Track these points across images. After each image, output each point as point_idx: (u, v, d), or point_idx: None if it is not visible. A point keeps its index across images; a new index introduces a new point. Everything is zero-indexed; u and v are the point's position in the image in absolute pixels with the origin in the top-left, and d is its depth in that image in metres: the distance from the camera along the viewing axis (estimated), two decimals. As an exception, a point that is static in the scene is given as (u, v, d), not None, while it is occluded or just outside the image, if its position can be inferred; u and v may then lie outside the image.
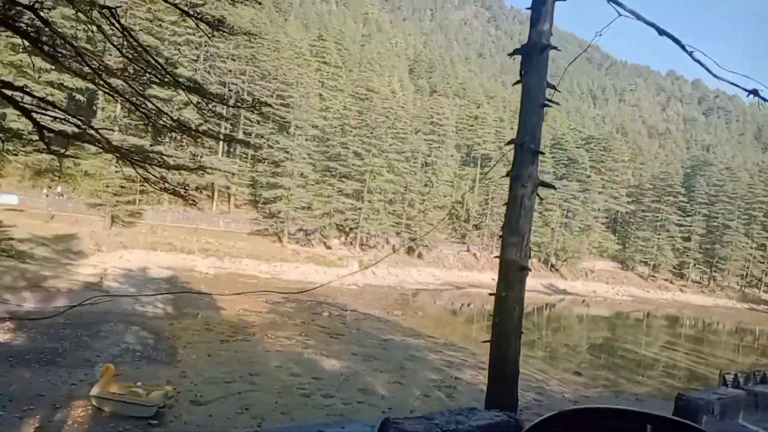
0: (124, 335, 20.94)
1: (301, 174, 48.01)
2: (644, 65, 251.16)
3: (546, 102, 6.11)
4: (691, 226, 73.80)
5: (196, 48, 49.52)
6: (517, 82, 6.22)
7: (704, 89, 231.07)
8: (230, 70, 52.01)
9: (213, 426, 14.57)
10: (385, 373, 21.55)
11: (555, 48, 6.10)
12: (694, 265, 73.81)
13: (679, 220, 74.19)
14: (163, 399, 14.78)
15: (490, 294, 6.19)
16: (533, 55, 6.02)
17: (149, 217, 43.06)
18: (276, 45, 61.95)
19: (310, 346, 23.54)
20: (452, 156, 68.38)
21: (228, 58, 51.64)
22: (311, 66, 60.99)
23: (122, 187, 41.81)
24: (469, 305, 47.98)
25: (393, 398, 18.71)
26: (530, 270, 6.10)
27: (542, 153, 6.12)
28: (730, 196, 74.66)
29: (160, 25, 47.96)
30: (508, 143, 6.39)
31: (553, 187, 7.32)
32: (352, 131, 54.41)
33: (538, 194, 6.16)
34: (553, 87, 6.27)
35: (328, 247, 49.11)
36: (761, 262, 74.40)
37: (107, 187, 39.75)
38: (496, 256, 6.76)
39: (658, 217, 73.74)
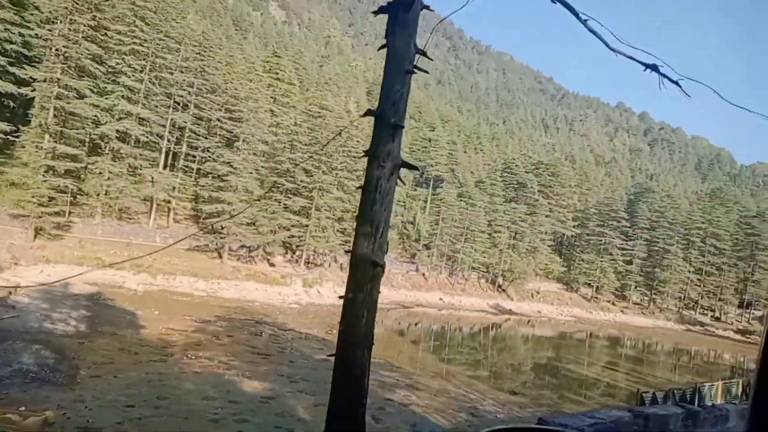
0: (21, 355, 18.97)
1: (246, 189, 46.59)
2: (594, 97, 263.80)
3: (413, 68, 5.34)
4: (633, 250, 76.25)
5: (143, 59, 47.84)
6: (383, 47, 5.40)
7: (650, 122, 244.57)
8: (177, 82, 50.46)
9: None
10: (311, 395, 20.41)
11: (427, 8, 5.42)
12: (635, 287, 76.08)
13: (621, 244, 76.56)
14: (42, 426, 13.25)
15: (340, 297, 5.43)
16: (400, 12, 5.25)
17: (78, 231, 40.46)
18: (229, 59, 60.85)
19: (234, 368, 22.12)
20: (404, 176, 68.51)
21: (176, 70, 50.12)
22: (263, 81, 60.04)
23: (50, 198, 39.37)
24: (416, 324, 47.38)
25: (313, 422, 17.62)
26: (383, 266, 5.08)
27: (402, 127, 5.23)
28: (671, 222, 77.75)
29: (105, 33, 46.31)
30: (365, 114, 5.54)
31: (416, 168, 6.38)
32: (302, 148, 53.55)
33: (399, 177, 5.32)
34: (422, 52, 5.45)
35: (272, 265, 47.56)
36: (698, 285, 77.54)
37: (33, 197, 37.22)
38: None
39: (601, 240, 75.97)
